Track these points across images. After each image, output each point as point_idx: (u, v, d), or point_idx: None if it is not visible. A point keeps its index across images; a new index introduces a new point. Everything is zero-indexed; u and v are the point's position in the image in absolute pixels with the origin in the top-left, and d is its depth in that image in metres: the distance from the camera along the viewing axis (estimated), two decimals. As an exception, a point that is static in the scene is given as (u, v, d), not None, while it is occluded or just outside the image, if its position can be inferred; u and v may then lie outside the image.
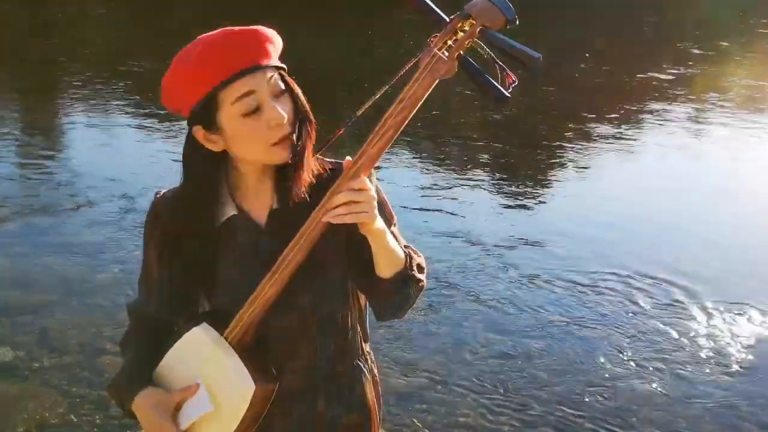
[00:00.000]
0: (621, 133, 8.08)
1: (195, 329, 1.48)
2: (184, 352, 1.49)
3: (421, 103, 1.31)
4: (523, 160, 7.31)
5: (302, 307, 1.48)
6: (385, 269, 1.42)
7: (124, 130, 7.83)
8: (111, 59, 11.53)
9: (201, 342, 1.47)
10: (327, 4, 17.18)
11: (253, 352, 1.46)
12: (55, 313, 4.09)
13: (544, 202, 6.20)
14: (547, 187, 6.65)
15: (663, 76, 11.04)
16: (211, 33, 1.37)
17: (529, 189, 6.53)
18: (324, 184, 1.42)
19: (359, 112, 1.42)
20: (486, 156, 7.36)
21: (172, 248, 1.50)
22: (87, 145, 7.27)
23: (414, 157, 6.96)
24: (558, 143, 7.77)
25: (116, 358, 3.66)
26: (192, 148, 1.43)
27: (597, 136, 8.00)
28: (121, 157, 6.87)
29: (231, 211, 1.47)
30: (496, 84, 1.29)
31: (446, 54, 1.29)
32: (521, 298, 4.41)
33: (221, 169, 1.46)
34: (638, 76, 11.07)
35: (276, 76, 1.38)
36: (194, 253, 1.47)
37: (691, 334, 4.07)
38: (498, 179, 6.70)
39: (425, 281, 1.51)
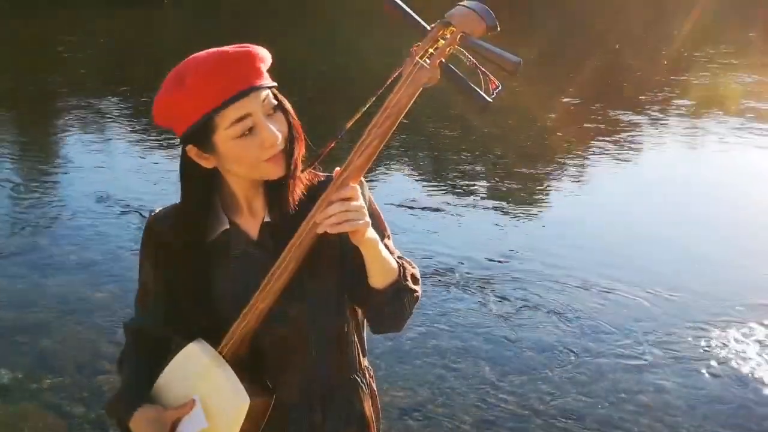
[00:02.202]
0: (618, 140, 8.10)
1: (190, 345, 1.48)
2: (180, 368, 1.50)
3: (405, 111, 1.32)
4: (517, 172, 7.32)
5: (295, 319, 1.48)
6: (377, 280, 1.42)
7: (119, 147, 7.84)
8: (107, 74, 11.56)
9: (196, 357, 1.47)
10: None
11: (248, 366, 1.47)
12: (52, 332, 4.09)
13: (538, 214, 6.20)
14: (543, 199, 6.65)
15: (659, 85, 11.06)
16: (203, 53, 1.37)
17: (523, 200, 6.53)
18: (316, 196, 1.43)
19: (349, 125, 1.42)
20: (480, 168, 7.36)
21: (167, 264, 1.51)
22: (82, 162, 7.27)
23: (407, 172, 6.99)
24: (552, 155, 7.78)
25: (114, 378, 3.65)
26: (186, 165, 1.44)
27: (593, 145, 8.01)
28: (116, 174, 6.87)
29: (224, 225, 1.48)
30: (479, 90, 1.29)
31: (428, 62, 1.30)
32: (520, 311, 4.40)
33: (214, 185, 1.47)
34: (634, 82, 11.12)
35: (269, 95, 1.38)
36: (188, 268, 1.48)
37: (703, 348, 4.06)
38: (492, 192, 6.69)
39: (420, 292, 1.50)
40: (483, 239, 5.45)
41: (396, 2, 1.35)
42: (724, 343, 3.99)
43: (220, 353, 1.46)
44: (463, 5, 1.31)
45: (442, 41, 1.30)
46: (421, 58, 1.30)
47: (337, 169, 1.36)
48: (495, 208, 6.19)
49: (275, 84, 1.41)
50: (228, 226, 1.48)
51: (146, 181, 6.62)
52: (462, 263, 4.99)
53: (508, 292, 4.62)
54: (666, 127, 8.82)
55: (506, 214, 6.09)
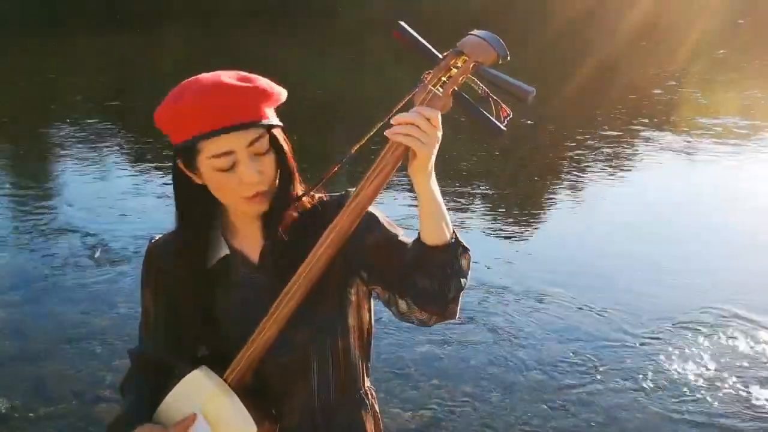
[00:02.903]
0: (612, 158, 8.12)
1: (194, 371, 1.47)
2: (183, 395, 1.48)
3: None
4: (515, 190, 7.34)
5: (300, 344, 1.47)
6: (434, 232, 1.32)
7: (115, 172, 7.83)
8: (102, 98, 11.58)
9: (200, 384, 1.46)
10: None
11: (253, 393, 1.46)
12: (50, 361, 4.06)
13: (531, 232, 6.20)
14: (540, 217, 6.65)
15: (653, 99, 11.09)
16: (210, 76, 1.37)
17: (521, 218, 6.53)
18: (316, 217, 1.44)
19: (354, 150, 1.43)
20: (478, 185, 7.37)
21: (168, 291, 1.51)
22: (77, 188, 7.26)
23: (397, 192, 7.00)
24: (550, 171, 7.80)
25: (113, 406, 3.63)
26: (177, 178, 1.44)
27: (589, 162, 8.03)
28: (112, 201, 6.86)
29: (224, 251, 1.47)
30: (491, 118, 1.30)
31: (441, 90, 1.31)
32: (524, 331, 4.39)
33: (212, 206, 1.47)
34: (630, 96, 11.16)
35: (261, 135, 1.36)
36: (189, 295, 1.47)
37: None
38: (489, 210, 6.70)
39: (470, 253, 1.38)
40: (478, 258, 5.44)
41: (407, 30, 1.36)
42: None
43: (225, 380, 1.45)
44: (475, 34, 1.32)
45: (454, 70, 1.31)
46: (434, 86, 1.31)
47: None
48: (487, 227, 6.18)
49: (277, 124, 1.39)
50: (228, 252, 1.47)
51: (144, 206, 6.60)
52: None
53: (506, 312, 4.60)
54: (657, 143, 8.83)
55: (499, 231, 6.09)
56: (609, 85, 12.18)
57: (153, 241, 1.56)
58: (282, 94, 1.39)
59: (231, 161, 1.34)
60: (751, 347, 4.21)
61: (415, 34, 1.36)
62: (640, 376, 3.94)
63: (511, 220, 6.48)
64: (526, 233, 6.22)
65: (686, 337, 4.34)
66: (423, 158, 1.26)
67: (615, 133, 9.05)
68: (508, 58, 1.31)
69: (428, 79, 1.32)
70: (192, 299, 1.47)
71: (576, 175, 7.64)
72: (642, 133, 9.07)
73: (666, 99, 11.14)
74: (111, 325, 4.45)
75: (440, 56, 1.33)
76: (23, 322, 4.51)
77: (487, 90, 1.32)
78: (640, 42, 16.82)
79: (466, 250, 1.37)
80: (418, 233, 1.36)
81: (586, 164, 7.92)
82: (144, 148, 8.66)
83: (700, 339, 4.30)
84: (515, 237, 6.09)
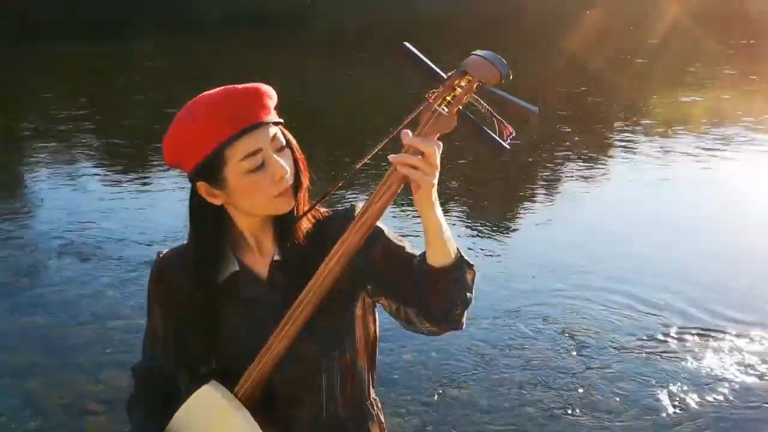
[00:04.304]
0: (593, 164, 8.21)
1: (204, 387, 1.49)
2: (193, 411, 1.50)
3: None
4: (495, 194, 7.40)
5: (309, 358, 1.49)
6: (438, 253, 1.35)
7: (94, 186, 7.77)
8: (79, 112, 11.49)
9: (211, 400, 1.48)
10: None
11: (262, 408, 1.48)
12: (36, 374, 4.03)
13: (511, 237, 6.26)
14: (516, 221, 6.72)
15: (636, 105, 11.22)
16: (211, 92, 1.41)
17: (495, 222, 6.58)
18: (322, 232, 1.47)
19: (358, 166, 1.46)
20: (451, 192, 7.42)
21: (177, 306, 1.52)
22: (59, 203, 7.20)
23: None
24: (530, 178, 7.88)
25: (101, 419, 3.62)
26: (196, 203, 1.46)
27: (569, 168, 8.12)
28: (89, 211, 6.82)
29: (233, 266, 1.50)
30: (495, 136, 1.34)
31: (446, 110, 1.34)
32: (508, 337, 4.44)
33: (223, 225, 1.49)
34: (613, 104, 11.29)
35: (278, 132, 1.43)
36: (199, 311, 1.49)
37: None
38: (469, 214, 6.75)
39: (475, 269, 1.42)
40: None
41: (411, 50, 1.39)
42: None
43: (235, 395, 1.47)
44: (478, 55, 1.35)
45: (458, 89, 1.34)
46: (439, 105, 1.34)
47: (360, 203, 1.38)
48: (468, 232, 6.23)
49: (282, 121, 1.45)
50: (237, 268, 1.50)
51: (124, 219, 6.56)
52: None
53: (490, 314, 4.65)
54: (636, 146, 8.94)
55: (480, 236, 6.14)
56: (588, 93, 12.30)
57: (162, 255, 1.57)
58: (275, 93, 1.45)
59: (260, 160, 1.38)
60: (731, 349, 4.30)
61: (419, 54, 1.40)
62: (624, 378, 4.01)
63: (489, 225, 6.53)
64: (503, 237, 6.28)
65: (673, 344, 4.41)
66: (426, 189, 1.30)
67: (591, 141, 9.15)
68: (510, 77, 1.35)
69: (433, 98, 1.36)
70: (201, 315, 1.49)
71: (553, 181, 7.73)
72: (616, 140, 9.18)
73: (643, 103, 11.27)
74: (96, 337, 4.43)
75: (444, 76, 1.36)
76: (6, 334, 4.48)
77: (490, 109, 1.35)
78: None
79: (470, 266, 1.41)
80: (424, 253, 1.39)
81: (562, 171, 8.01)
82: (116, 153, 8.62)
83: (694, 344, 4.38)
84: (495, 241, 6.14)
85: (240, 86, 1.40)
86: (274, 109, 1.45)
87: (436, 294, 1.38)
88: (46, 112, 11.40)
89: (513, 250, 5.91)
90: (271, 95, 1.43)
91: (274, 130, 1.41)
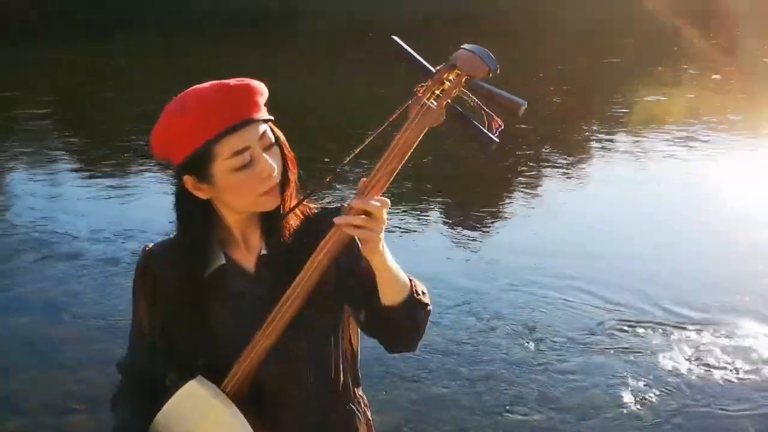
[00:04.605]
0: (570, 162, 8.24)
1: (191, 382, 1.48)
2: (180, 407, 1.49)
3: (411, 150, 1.36)
4: (475, 192, 7.42)
5: (294, 355, 1.49)
6: (391, 296, 1.41)
7: (69, 181, 7.72)
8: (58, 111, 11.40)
9: (197, 395, 1.47)
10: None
11: (249, 403, 1.47)
12: (17, 374, 4.00)
13: (492, 234, 6.28)
14: (498, 218, 6.74)
15: (615, 104, 11.26)
16: (203, 86, 1.40)
17: (478, 220, 6.60)
18: (310, 228, 1.47)
19: (347, 160, 1.46)
20: (436, 190, 7.43)
21: (164, 300, 1.52)
22: (38, 204, 7.13)
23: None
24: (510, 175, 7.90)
25: (83, 417, 3.60)
26: (182, 196, 1.45)
27: (549, 166, 8.15)
28: (68, 209, 6.77)
29: (219, 261, 1.49)
30: (484, 129, 1.35)
31: (435, 103, 1.35)
32: (465, 332, 4.45)
33: (210, 219, 1.49)
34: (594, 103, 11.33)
35: (267, 129, 1.42)
36: (185, 305, 1.49)
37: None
38: (447, 215, 6.77)
39: (431, 306, 1.50)
40: (440, 260, 5.50)
41: (399, 43, 1.40)
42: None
43: (222, 390, 1.46)
44: (466, 49, 1.36)
45: (447, 83, 1.35)
46: (428, 99, 1.35)
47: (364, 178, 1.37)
48: (449, 231, 6.25)
49: (272, 118, 1.45)
50: (224, 262, 1.49)
51: (104, 220, 6.48)
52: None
53: (448, 309, 4.66)
54: (613, 144, 8.99)
55: (461, 234, 6.16)
56: (569, 92, 12.35)
57: (148, 248, 1.56)
58: (266, 89, 1.45)
59: (248, 157, 1.38)
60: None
61: (408, 48, 1.40)
62: (606, 374, 4.03)
63: (469, 224, 6.55)
64: (485, 234, 6.30)
65: (650, 335, 4.44)
66: (374, 244, 1.34)
67: (573, 137, 9.20)
68: (498, 71, 1.37)
69: (422, 92, 1.37)
70: (188, 310, 1.49)
71: (534, 180, 7.76)
72: (597, 138, 9.24)
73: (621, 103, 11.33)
74: (76, 337, 4.39)
75: (433, 70, 1.37)
76: (-15, 334, 4.44)
77: (479, 102, 1.36)
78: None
79: (424, 305, 1.47)
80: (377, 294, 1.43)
81: (543, 169, 8.04)
82: (93, 154, 8.56)
83: (670, 336, 4.42)
84: (475, 239, 6.16)
85: (231, 82, 1.40)
86: (265, 105, 1.44)
87: (387, 327, 1.46)
88: (29, 113, 11.28)
89: (483, 245, 5.91)
90: (262, 92, 1.43)
91: (263, 127, 1.41)
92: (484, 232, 6.36)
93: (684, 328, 4.47)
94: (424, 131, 1.36)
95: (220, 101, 1.37)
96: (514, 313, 4.72)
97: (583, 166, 8.12)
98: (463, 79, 1.35)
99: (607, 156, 8.53)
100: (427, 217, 6.54)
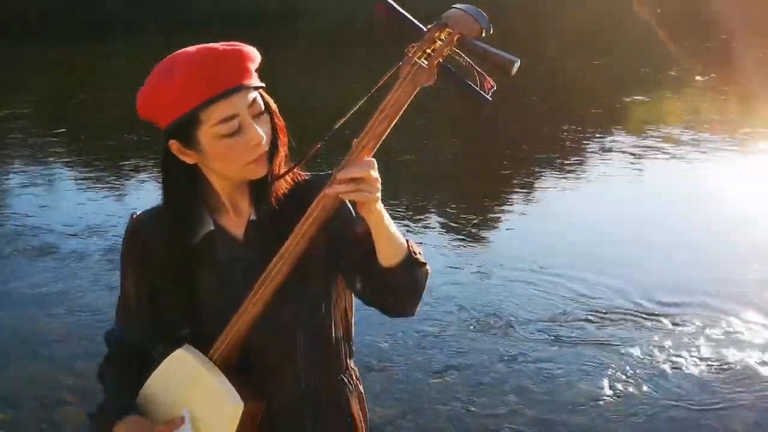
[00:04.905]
0: (566, 164, 8.18)
1: (178, 351, 1.45)
2: (167, 375, 1.46)
3: (402, 111, 1.33)
4: (476, 193, 7.37)
5: (284, 321, 1.46)
6: (389, 256, 1.38)
7: (63, 178, 7.67)
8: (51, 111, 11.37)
9: (185, 363, 1.44)
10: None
11: (238, 371, 1.44)
12: (8, 367, 3.97)
13: (493, 237, 6.24)
14: (496, 220, 6.69)
15: (612, 106, 11.21)
16: (192, 48, 1.36)
17: (475, 223, 6.55)
18: (301, 195, 1.44)
19: (337, 126, 1.42)
20: (435, 190, 7.37)
21: (152, 268, 1.48)
22: (26, 195, 7.09)
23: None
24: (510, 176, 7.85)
25: (75, 409, 3.56)
26: (168, 160, 1.42)
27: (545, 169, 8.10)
28: (61, 206, 6.72)
29: (208, 227, 1.46)
30: (477, 89, 1.31)
31: (426, 62, 1.31)
32: (439, 323, 4.41)
33: (198, 184, 1.45)
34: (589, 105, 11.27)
35: (257, 96, 1.38)
36: (174, 272, 1.45)
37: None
38: (446, 216, 6.71)
39: (429, 266, 1.46)
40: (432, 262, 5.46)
41: (391, 3, 1.36)
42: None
43: (210, 359, 1.43)
44: (458, 8, 1.33)
45: (438, 42, 1.31)
46: (419, 58, 1.31)
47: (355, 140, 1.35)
48: (447, 234, 6.20)
49: (263, 85, 1.41)
50: (212, 228, 1.46)
51: (94, 214, 6.44)
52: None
53: (463, 317, 4.61)
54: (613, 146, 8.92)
55: (458, 237, 6.11)
56: (566, 93, 12.31)
57: (136, 216, 1.53)
58: (259, 54, 1.40)
59: (236, 124, 1.34)
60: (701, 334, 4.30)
61: (398, 7, 1.37)
62: (598, 368, 3.98)
63: (468, 226, 6.50)
64: (481, 236, 6.25)
65: (647, 327, 4.40)
66: (372, 203, 1.31)
67: (570, 141, 9.14)
68: (492, 31, 1.32)
69: (413, 52, 1.33)
70: (176, 276, 1.45)
71: (531, 180, 7.70)
72: (595, 140, 9.17)
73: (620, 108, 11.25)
74: (67, 330, 4.36)
75: (424, 29, 1.33)
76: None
77: (471, 62, 1.32)
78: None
79: (422, 264, 1.44)
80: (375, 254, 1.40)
81: (541, 169, 7.99)
82: (90, 157, 8.51)
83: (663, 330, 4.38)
84: (469, 240, 6.11)
85: (221, 46, 1.35)
86: (256, 71, 1.40)
87: (387, 289, 1.42)
88: (21, 113, 11.25)
89: (495, 250, 5.87)
90: (253, 57, 1.38)
91: (253, 94, 1.37)
92: (477, 231, 6.29)
93: (660, 320, 4.44)
94: (416, 91, 1.33)
95: (209, 66, 1.33)
96: (501, 305, 4.68)
97: (579, 166, 8.06)
98: (455, 38, 1.31)
99: (603, 156, 8.45)
100: (420, 218, 6.49)
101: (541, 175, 7.71)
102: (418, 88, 1.32)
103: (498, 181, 7.64)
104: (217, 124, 1.34)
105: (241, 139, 1.35)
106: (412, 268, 1.41)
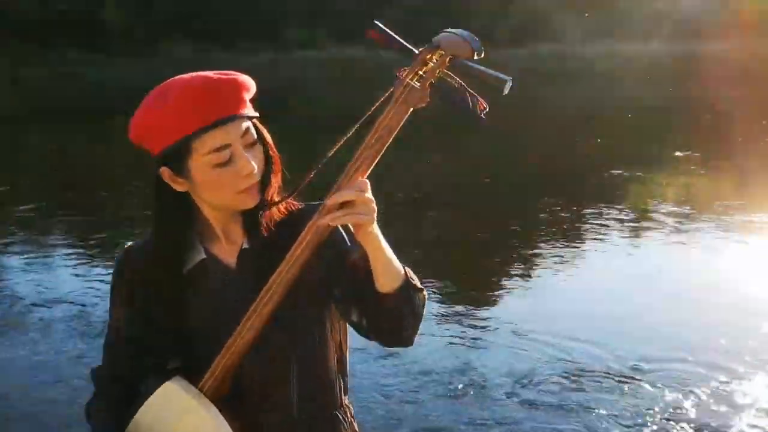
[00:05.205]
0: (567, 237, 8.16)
1: (167, 383, 1.41)
2: (157, 409, 1.41)
3: (395, 133, 1.33)
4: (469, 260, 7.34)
5: (277, 350, 1.43)
6: (387, 282, 1.36)
7: (59, 260, 7.62)
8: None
9: (176, 396, 1.40)
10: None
11: (231, 403, 1.40)
12: (13, 404, 4.05)
13: (487, 308, 6.17)
14: (494, 291, 6.64)
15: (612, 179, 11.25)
16: (188, 76, 1.36)
17: (472, 293, 6.50)
18: (294, 224, 1.41)
19: (330, 153, 1.42)
20: (428, 261, 7.33)
21: (141, 299, 1.46)
22: (18, 268, 7.04)
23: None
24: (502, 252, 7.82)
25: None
26: (159, 188, 1.41)
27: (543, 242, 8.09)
28: (57, 282, 6.69)
29: (200, 255, 1.44)
30: (470, 109, 1.32)
31: (418, 84, 1.32)
32: (449, 397, 4.32)
33: (189, 212, 1.44)
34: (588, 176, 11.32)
35: (250, 126, 1.38)
36: (164, 302, 1.43)
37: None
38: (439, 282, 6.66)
39: (425, 292, 1.44)
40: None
41: (382, 28, 1.38)
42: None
43: (201, 390, 1.39)
44: (449, 32, 1.35)
45: (431, 64, 1.33)
46: (411, 80, 1.32)
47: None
48: (442, 301, 6.15)
49: (257, 114, 1.41)
50: (204, 256, 1.44)
51: (87, 287, 6.39)
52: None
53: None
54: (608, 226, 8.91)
55: (453, 305, 6.05)
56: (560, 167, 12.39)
57: (127, 247, 1.51)
58: (254, 85, 1.40)
59: (228, 154, 1.33)
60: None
61: (391, 32, 1.38)
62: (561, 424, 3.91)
63: (450, 294, 6.43)
64: (478, 307, 6.20)
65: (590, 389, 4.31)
66: (366, 225, 1.30)
67: (566, 213, 9.16)
68: (483, 54, 1.34)
69: (404, 74, 1.34)
70: (166, 307, 1.43)
71: (527, 252, 7.67)
72: (590, 215, 9.16)
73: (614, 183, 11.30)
74: (61, 396, 4.26)
75: (416, 51, 1.35)
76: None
77: (463, 84, 1.33)
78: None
79: (419, 289, 1.42)
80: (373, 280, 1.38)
81: (536, 241, 7.97)
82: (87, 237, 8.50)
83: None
84: (464, 306, 6.05)
85: (216, 75, 1.35)
86: (251, 101, 1.40)
87: (385, 317, 1.39)
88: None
89: (495, 314, 5.81)
90: (248, 87, 1.38)
91: (246, 124, 1.37)
92: (473, 298, 6.23)
93: (643, 385, 4.33)
94: (408, 113, 1.33)
95: (202, 95, 1.32)
96: (474, 369, 4.60)
97: (562, 238, 8.00)
98: (447, 59, 1.32)
99: (586, 227, 8.41)
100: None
101: (523, 246, 7.70)
102: (411, 109, 1.33)
103: (478, 250, 7.63)
104: (209, 153, 1.33)
105: (232, 169, 1.34)
106: (410, 293, 1.39)
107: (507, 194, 9.98)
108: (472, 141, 13.29)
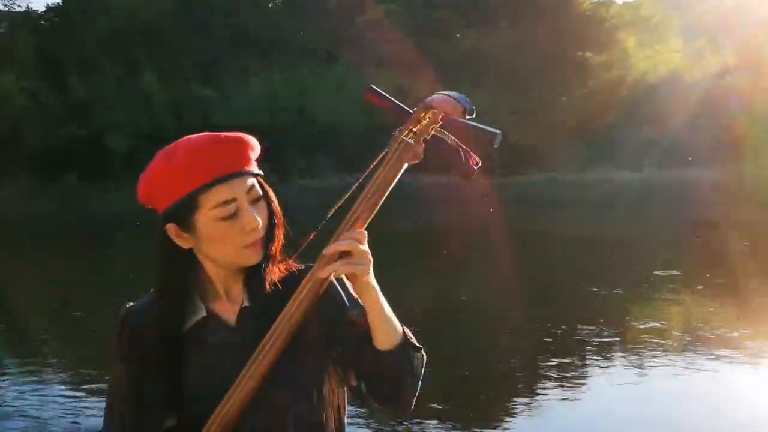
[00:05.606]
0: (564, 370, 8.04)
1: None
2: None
3: (391, 187, 1.37)
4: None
5: (276, 406, 1.41)
6: (386, 339, 1.37)
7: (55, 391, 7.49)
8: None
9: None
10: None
11: None
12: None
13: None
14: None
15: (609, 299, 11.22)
16: (195, 136, 1.42)
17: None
18: (295, 283, 1.43)
19: (329, 215, 1.46)
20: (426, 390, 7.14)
21: (140, 356, 1.45)
22: (18, 399, 6.89)
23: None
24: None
25: None
26: (163, 246, 1.43)
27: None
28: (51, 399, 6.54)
29: (200, 313, 1.45)
30: (462, 163, 1.36)
31: (412, 140, 1.38)
32: None
33: (192, 270, 1.46)
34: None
35: (255, 183, 1.42)
36: (162, 358, 1.43)
37: None
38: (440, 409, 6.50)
39: (423, 351, 1.43)
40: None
41: (378, 91, 1.45)
42: None
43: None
44: (442, 93, 1.42)
45: (424, 121, 1.39)
46: (405, 137, 1.38)
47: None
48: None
49: (261, 173, 1.46)
50: (204, 314, 1.45)
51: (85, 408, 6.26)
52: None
53: None
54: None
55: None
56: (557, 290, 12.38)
57: (128, 307, 1.52)
58: (258, 145, 1.45)
59: (234, 208, 1.37)
60: None
61: (386, 95, 1.45)
62: None
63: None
64: None
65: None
66: (364, 276, 1.34)
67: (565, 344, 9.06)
68: (474, 113, 1.40)
69: (399, 131, 1.39)
70: (166, 362, 1.42)
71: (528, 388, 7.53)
72: (590, 344, 9.06)
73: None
74: None
75: (410, 111, 1.41)
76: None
77: (456, 140, 1.39)
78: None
79: (417, 349, 1.43)
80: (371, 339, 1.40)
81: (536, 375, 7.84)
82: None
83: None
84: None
85: (223, 133, 1.41)
86: (256, 160, 1.45)
87: (384, 376, 1.40)
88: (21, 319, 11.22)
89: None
90: (253, 146, 1.44)
91: (251, 180, 1.41)
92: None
93: None
94: (404, 167, 1.38)
95: (210, 152, 1.37)
96: None
97: (580, 371, 7.91)
98: (440, 117, 1.38)
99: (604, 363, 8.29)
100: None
101: (525, 377, 7.55)
102: (406, 164, 1.38)
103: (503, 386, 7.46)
104: (215, 207, 1.37)
105: (237, 223, 1.38)
106: (409, 351, 1.40)
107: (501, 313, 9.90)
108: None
